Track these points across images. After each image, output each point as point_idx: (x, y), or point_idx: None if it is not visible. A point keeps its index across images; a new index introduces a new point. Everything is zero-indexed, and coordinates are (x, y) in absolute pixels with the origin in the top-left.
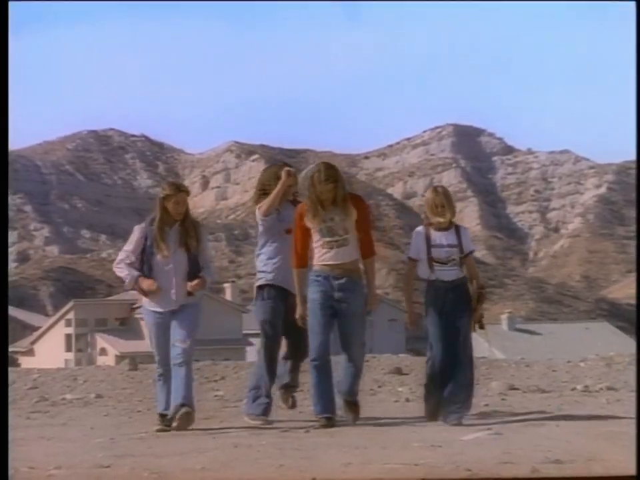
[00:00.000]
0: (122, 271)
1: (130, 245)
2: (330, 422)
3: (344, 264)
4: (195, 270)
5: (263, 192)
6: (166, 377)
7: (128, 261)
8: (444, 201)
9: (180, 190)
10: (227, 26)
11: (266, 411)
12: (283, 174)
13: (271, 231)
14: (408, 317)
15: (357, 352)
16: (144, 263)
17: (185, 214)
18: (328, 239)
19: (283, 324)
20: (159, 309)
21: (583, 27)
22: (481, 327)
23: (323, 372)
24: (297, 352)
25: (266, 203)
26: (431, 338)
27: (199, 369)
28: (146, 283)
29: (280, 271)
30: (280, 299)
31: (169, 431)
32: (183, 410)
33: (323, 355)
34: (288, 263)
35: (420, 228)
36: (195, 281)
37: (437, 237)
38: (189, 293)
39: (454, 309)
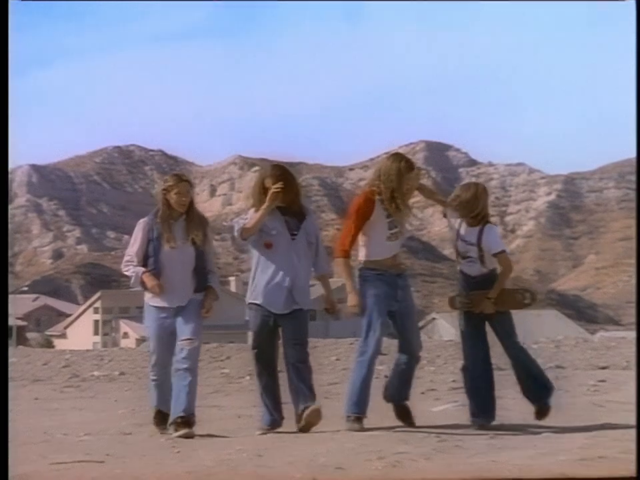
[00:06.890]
0: (128, 270)
1: (135, 244)
2: (362, 423)
3: (398, 256)
4: (201, 267)
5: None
6: (162, 380)
7: (134, 262)
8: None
9: (182, 180)
10: (231, 53)
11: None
12: (269, 195)
13: (252, 246)
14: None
15: (418, 351)
16: (151, 257)
17: (189, 206)
18: (396, 231)
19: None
20: (165, 305)
21: (537, 52)
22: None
23: (372, 370)
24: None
25: (249, 227)
26: (464, 335)
27: (208, 350)
28: (150, 282)
29: (261, 291)
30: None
31: (167, 433)
32: (184, 421)
33: (378, 353)
34: (270, 283)
35: (460, 219)
36: (207, 303)
37: (464, 230)
38: (197, 290)
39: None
